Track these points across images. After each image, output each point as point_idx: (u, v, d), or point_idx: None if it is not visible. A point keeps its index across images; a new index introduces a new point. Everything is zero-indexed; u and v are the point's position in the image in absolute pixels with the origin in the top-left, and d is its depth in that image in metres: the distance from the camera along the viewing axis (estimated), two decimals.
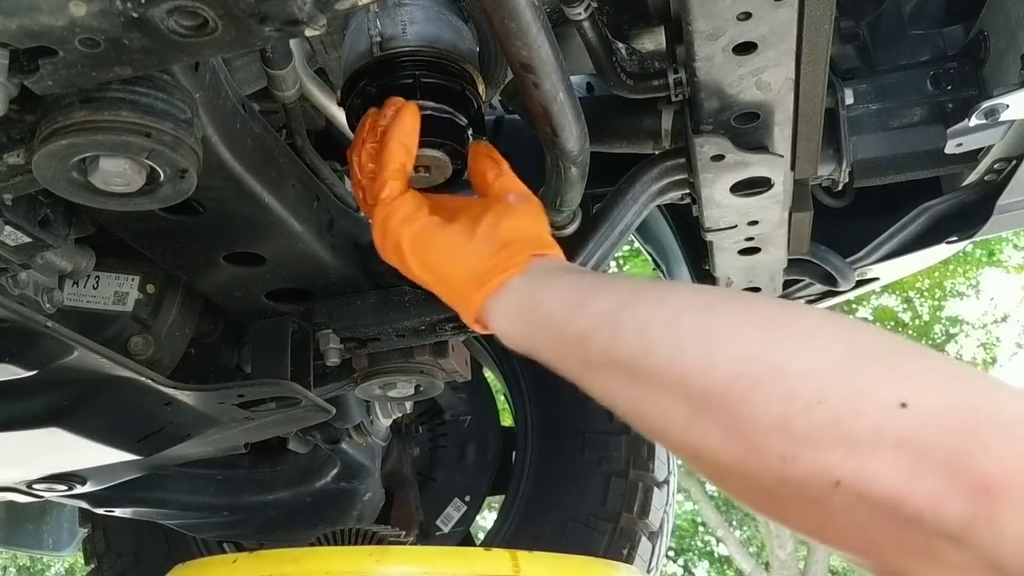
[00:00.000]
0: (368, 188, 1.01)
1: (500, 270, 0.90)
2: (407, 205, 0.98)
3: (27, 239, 1.01)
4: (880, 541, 0.58)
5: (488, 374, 2.88)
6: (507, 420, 2.83)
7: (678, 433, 0.69)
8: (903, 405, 0.56)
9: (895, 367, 0.60)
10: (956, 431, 0.54)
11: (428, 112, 1.05)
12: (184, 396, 1.23)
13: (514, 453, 2.56)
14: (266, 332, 1.30)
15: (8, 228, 0.98)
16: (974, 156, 1.44)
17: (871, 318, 11.20)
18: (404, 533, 1.72)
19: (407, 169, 1.00)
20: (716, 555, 13.65)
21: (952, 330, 11.78)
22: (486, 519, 5.37)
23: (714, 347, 0.66)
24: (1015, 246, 10.41)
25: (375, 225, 1.00)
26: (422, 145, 1.04)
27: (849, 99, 1.44)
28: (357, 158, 1.03)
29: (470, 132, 1.12)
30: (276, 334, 1.29)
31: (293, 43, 1.13)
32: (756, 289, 1.72)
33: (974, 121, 1.32)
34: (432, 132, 1.05)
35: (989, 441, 0.53)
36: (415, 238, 0.96)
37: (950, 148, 1.41)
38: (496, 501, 2.74)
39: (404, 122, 0.99)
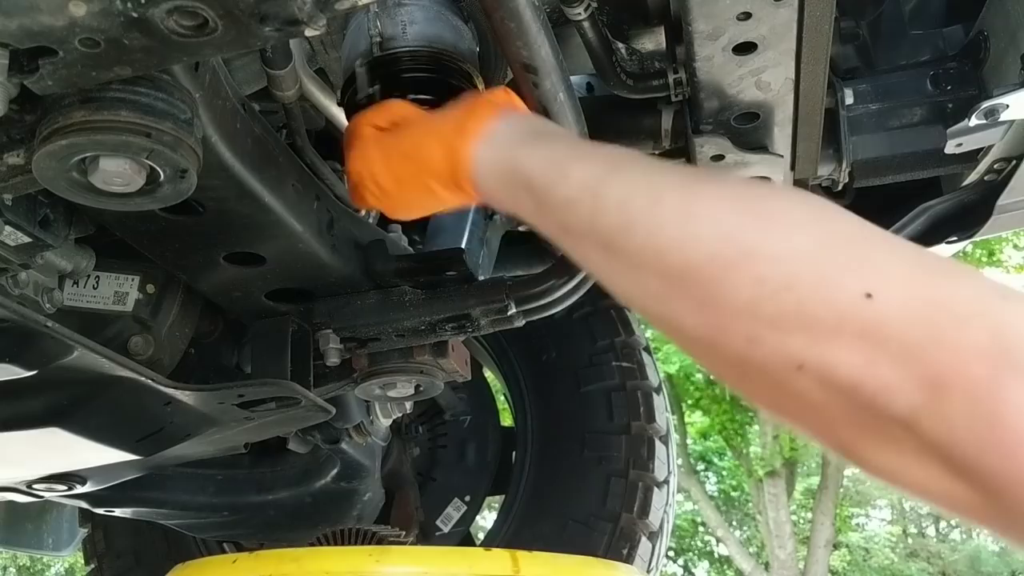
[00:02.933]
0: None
1: (469, 119, 0.90)
2: (375, 137, 1.00)
3: (27, 239, 1.01)
4: (836, 421, 0.61)
5: (488, 374, 2.88)
6: (507, 420, 2.83)
7: (653, 306, 0.72)
8: (868, 296, 0.58)
9: (864, 257, 0.61)
10: (915, 324, 0.56)
11: (427, 109, 1.05)
12: (184, 396, 1.23)
13: (514, 453, 2.56)
14: (266, 332, 1.30)
15: (8, 228, 0.98)
16: (974, 156, 1.44)
17: None
18: (404, 533, 1.71)
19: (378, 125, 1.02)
20: (716, 555, 13.65)
21: None
22: (486, 519, 5.37)
23: (691, 227, 0.67)
24: (1015, 246, 10.41)
25: (349, 173, 1.01)
26: None
27: (849, 99, 1.44)
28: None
29: None
30: (276, 334, 1.29)
31: (293, 43, 1.13)
32: None
33: (974, 121, 1.32)
34: None
35: (944, 335, 0.55)
36: (385, 145, 0.97)
37: (950, 148, 1.41)
38: (496, 501, 2.74)
39: (375, 109, 1.02)
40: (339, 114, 1.29)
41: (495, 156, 0.87)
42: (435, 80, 1.08)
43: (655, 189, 0.72)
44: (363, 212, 1.39)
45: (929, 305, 0.57)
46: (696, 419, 11.91)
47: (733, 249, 0.64)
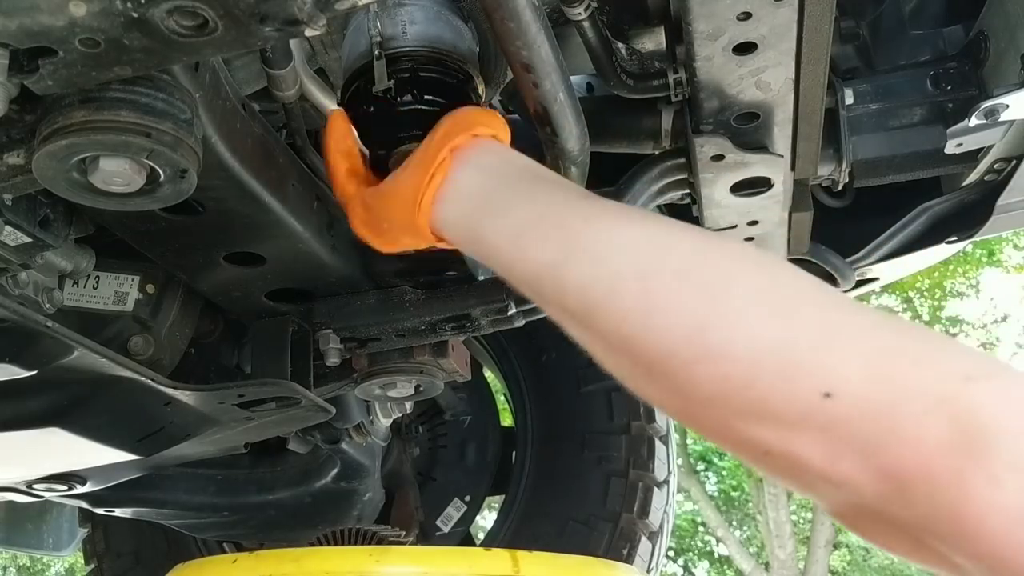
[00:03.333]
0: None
1: (430, 184, 0.90)
2: (356, 192, 1.02)
3: (27, 239, 1.01)
4: (816, 494, 0.64)
5: (488, 374, 2.88)
6: (507, 420, 2.83)
7: (627, 381, 0.74)
8: (827, 395, 0.59)
9: (825, 353, 0.62)
10: (874, 419, 0.58)
11: (427, 108, 1.05)
12: (184, 396, 1.23)
13: (514, 453, 2.56)
14: (266, 332, 1.30)
15: (8, 228, 0.98)
16: (974, 156, 1.44)
17: None
18: (404, 533, 1.72)
19: (356, 169, 1.02)
20: (716, 555, 13.65)
21: (952, 330, 11.77)
22: (486, 519, 5.37)
23: (653, 324, 0.68)
24: (1015, 246, 10.41)
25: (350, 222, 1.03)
26: (415, 139, 1.05)
27: (849, 99, 1.44)
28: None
29: None
30: (276, 334, 1.29)
31: (293, 43, 1.13)
32: None
33: (974, 121, 1.32)
34: (426, 127, 1.05)
35: (902, 430, 0.56)
36: (365, 206, 0.99)
37: (950, 148, 1.41)
38: (496, 501, 2.74)
39: (334, 132, 1.02)
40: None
41: (457, 222, 0.88)
42: (435, 80, 1.08)
43: (613, 275, 0.72)
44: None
45: (887, 400, 0.58)
46: None
47: (696, 348, 0.66)
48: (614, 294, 0.71)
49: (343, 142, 1.02)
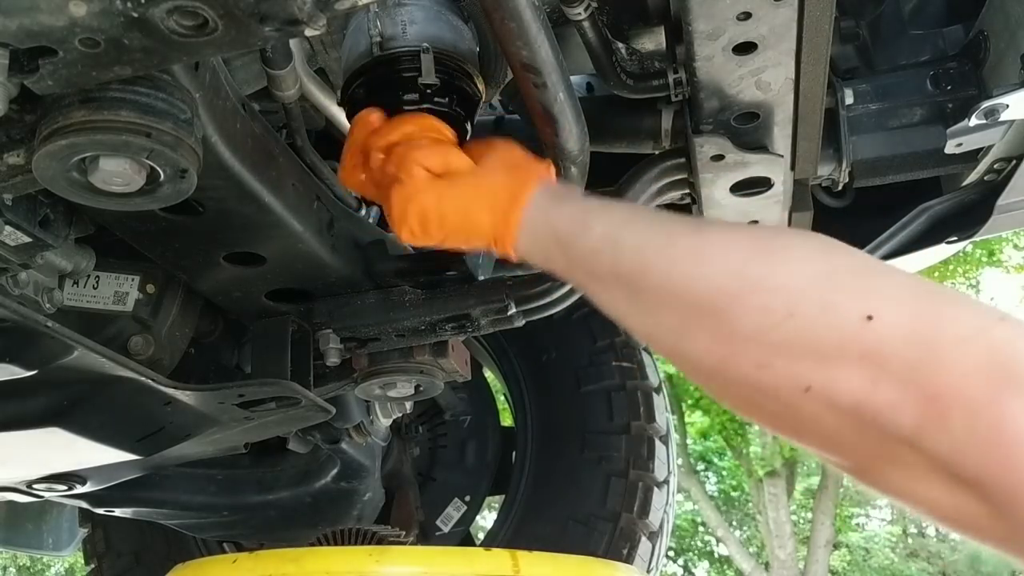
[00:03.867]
0: (381, 177, 1.03)
1: (520, 189, 0.94)
2: (422, 179, 1.02)
3: (27, 239, 1.01)
4: (846, 443, 0.63)
5: (488, 374, 2.88)
6: (507, 420, 2.83)
7: (670, 339, 0.77)
8: (868, 318, 0.61)
9: (864, 283, 0.64)
10: (915, 344, 0.59)
11: (427, 107, 1.05)
12: (184, 396, 1.23)
13: (514, 453, 2.56)
14: (266, 332, 1.30)
15: (8, 228, 0.98)
16: (974, 156, 1.44)
17: None
18: (404, 533, 1.71)
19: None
20: (716, 555, 13.65)
21: None
22: (486, 519, 5.37)
23: (702, 264, 0.73)
24: (1015, 246, 10.41)
25: (394, 205, 1.01)
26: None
27: (849, 99, 1.44)
28: (363, 155, 1.05)
29: (469, 127, 1.12)
30: (276, 334, 1.29)
31: (293, 43, 1.13)
32: None
33: (974, 121, 1.32)
34: None
35: (943, 354, 0.58)
36: (439, 199, 0.98)
37: (950, 148, 1.41)
38: (496, 501, 2.74)
39: (414, 124, 1.03)
40: (339, 114, 1.29)
41: (533, 220, 0.93)
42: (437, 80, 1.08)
43: (668, 234, 0.78)
44: (363, 211, 1.38)
45: (928, 326, 0.59)
46: (696, 419, 11.91)
47: (740, 282, 0.69)
48: (669, 244, 0.77)
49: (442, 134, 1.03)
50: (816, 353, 0.62)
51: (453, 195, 0.98)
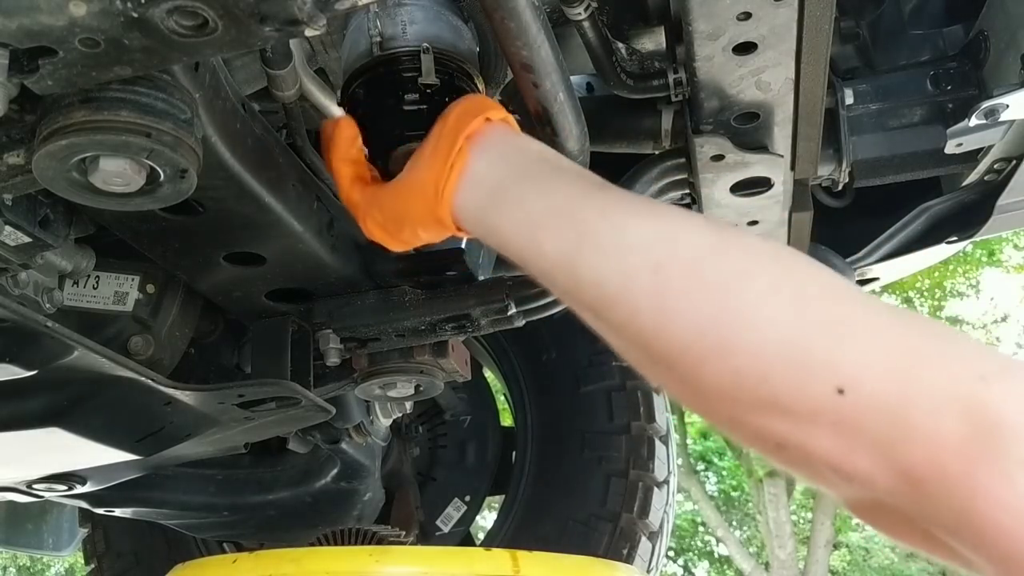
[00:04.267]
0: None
1: (451, 172, 0.89)
2: (366, 196, 1.01)
3: (27, 239, 1.01)
4: (828, 485, 0.63)
5: (488, 374, 2.88)
6: (507, 420, 2.83)
7: (643, 371, 0.75)
8: (840, 391, 0.59)
9: (838, 346, 0.61)
10: (887, 415, 0.57)
11: (427, 107, 1.05)
12: (184, 396, 1.23)
13: (514, 453, 2.56)
14: (266, 332, 1.30)
15: (8, 228, 0.98)
16: (974, 156, 1.44)
17: None
18: (404, 533, 1.72)
19: (363, 175, 1.02)
20: (716, 555, 13.64)
21: None
22: (486, 519, 5.37)
23: (666, 319, 0.69)
24: (1015, 246, 10.41)
25: (357, 221, 1.02)
26: (420, 139, 1.05)
27: (849, 99, 1.44)
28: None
29: None
30: (276, 334, 1.29)
31: (293, 43, 1.13)
32: None
33: (974, 121, 1.32)
34: (430, 126, 1.05)
35: (916, 425, 0.56)
36: (379, 207, 0.98)
37: (950, 148, 1.41)
38: (496, 501, 2.74)
39: (340, 139, 1.02)
40: (339, 114, 1.29)
41: (475, 213, 0.88)
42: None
43: (626, 270, 0.72)
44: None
45: (901, 395, 0.57)
46: (696, 419, 11.92)
47: (708, 343, 0.66)
48: (627, 290, 0.71)
49: (349, 150, 1.02)
50: (788, 416, 0.62)
51: (385, 197, 0.96)
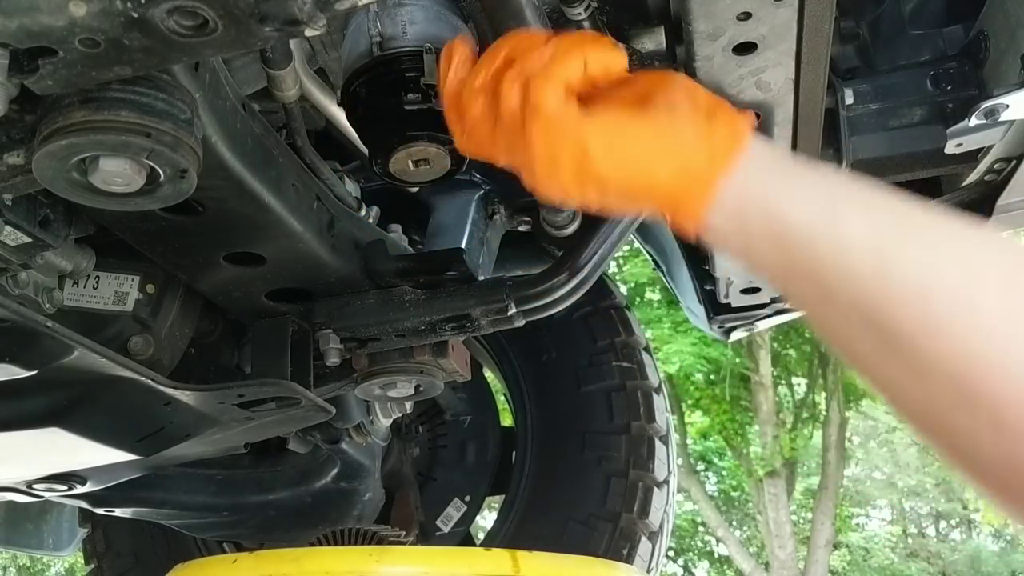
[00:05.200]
0: (507, 105, 0.75)
1: (724, 145, 0.69)
2: (575, 107, 0.74)
3: (27, 239, 1.01)
4: None
5: (488, 374, 2.88)
6: (507, 420, 2.83)
7: (937, 420, 0.58)
8: None
9: None
10: None
11: (427, 107, 1.05)
12: (184, 396, 1.23)
13: (514, 453, 2.56)
14: (266, 332, 1.30)
15: (8, 228, 0.98)
16: (974, 156, 1.44)
17: None
18: (404, 533, 1.71)
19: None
20: (716, 555, 13.65)
21: None
22: (486, 519, 5.37)
23: (1018, 351, 0.53)
24: None
25: (537, 148, 0.73)
26: (421, 139, 1.05)
27: (849, 99, 1.44)
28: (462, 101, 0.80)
29: None
30: (276, 334, 1.29)
31: (293, 43, 1.13)
32: (756, 289, 1.72)
33: (974, 121, 1.32)
34: (431, 126, 1.06)
35: None
36: (607, 133, 0.72)
37: (950, 148, 1.41)
38: (496, 501, 2.74)
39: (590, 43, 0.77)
40: (339, 114, 1.29)
41: (743, 193, 0.68)
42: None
43: (971, 279, 0.56)
44: (363, 211, 1.38)
45: None
46: (696, 419, 11.92)
47: None
48: (972, 307, 0.55)
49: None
50: None
51: (625, 133, 0.71)
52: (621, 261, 9.56)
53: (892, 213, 0.62)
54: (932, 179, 1.60)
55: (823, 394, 12.06)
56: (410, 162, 1.10)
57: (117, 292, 1.24)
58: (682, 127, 0.71)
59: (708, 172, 0.69)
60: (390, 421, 1.95)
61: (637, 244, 2.31)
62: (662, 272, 2.18)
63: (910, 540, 14.10)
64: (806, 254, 0.63)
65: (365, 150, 1.17)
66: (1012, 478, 0.54)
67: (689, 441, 11.90)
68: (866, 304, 0.59)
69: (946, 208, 0.66)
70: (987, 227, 1.53)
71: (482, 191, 1.61)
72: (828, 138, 1.38)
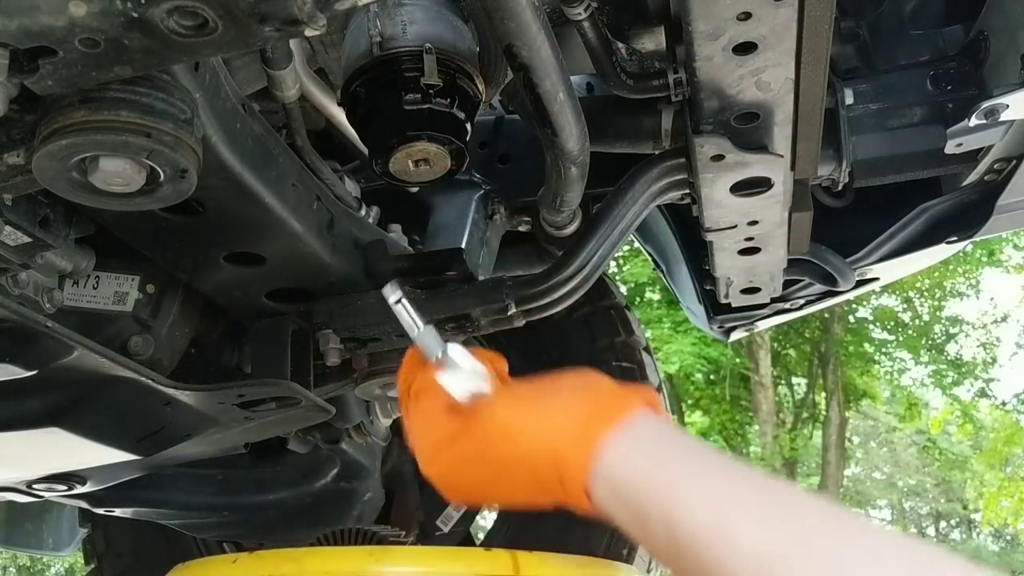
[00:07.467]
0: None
1: (603, 417, 0.71)
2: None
3: (27, 239, 1.01)
4: None
5: None
6: None
7: None
8: None
9: None
10: None
11: (428, 107, 1.05)
12: (184, 396, 1.23)
13: None
14: (266, 332, 1.30)
15: (8, 228, 0.98)
16: (974, 156, 1.44)
17: (871, 318, 11.21)
18: (404, 533, 1.71)
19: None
20: None
21: (952, 330, 11.79)
22: (486, 519, 5.37)
23: None
24: (1015, 246, 10.42)
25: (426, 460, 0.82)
26: (421, 139, 1.05)
27: (849, 99, 1.44)
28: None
29: (469, 128, 1.12)
30: (276, 334, 1.29)
31: (293, 43, 1.13)
32: (756, 290, 1.72)
33: (974, 121, 1.32)
34: (431, 126, 1.06)
35: None
36: (499, 426, 0.76)
37: (950, 148, 1.41)
38: None
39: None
40: (339, 114, 1.29)
41: (625, 478, 0.68)
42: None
43: None
44: (362, 211, 1.38)
45: None
46: (696, 419, 11.91)
47: None
48: None
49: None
50: None
51: (503, 431, 0.74)
52: (621, 261, 9.56)
53: (785, 522, 0.61)
54: (932, 179, 1.60)
55: (823, 394, 12.06)
56: (410, 162, 1.10)
57: (117, 292, 1.24)
58: (575, 406, 0.73)
59: (588, 432, 0.69)
60: (390, 421, 1.95)
61: (637, 244, 2.31)
62: (662, 272, 2.18)
63: None
64: (694, 554, 0.62)
65: (365, 150, 1.17)
66: None
67: None
68: None
69: (835, 503, 0.64)
70: (987, 227, 1.53)
71: (482, 191, 1.61)
72: (828, 138, 1.38)
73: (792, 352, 11.96)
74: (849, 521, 0.61)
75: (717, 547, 0.61)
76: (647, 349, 2.45)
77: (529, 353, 2.51)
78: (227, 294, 1.25)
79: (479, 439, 0.76)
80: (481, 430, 0.76)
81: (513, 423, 0.75)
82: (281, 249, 1.15)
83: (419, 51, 1.06)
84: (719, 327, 2.06)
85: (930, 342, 11.76)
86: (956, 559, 0.57)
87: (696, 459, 0.69)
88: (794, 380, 12.59)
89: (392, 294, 0.83)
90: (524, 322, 1.35)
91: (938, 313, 11.60)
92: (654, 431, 0.71)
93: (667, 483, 0.66)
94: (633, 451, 0.69)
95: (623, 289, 8.47)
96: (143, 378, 1.16)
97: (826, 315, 10.54)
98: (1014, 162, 1.44)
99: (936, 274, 10.59)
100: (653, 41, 1.29)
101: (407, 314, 0.83)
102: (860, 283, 1.78)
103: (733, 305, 1.82)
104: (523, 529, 2.36)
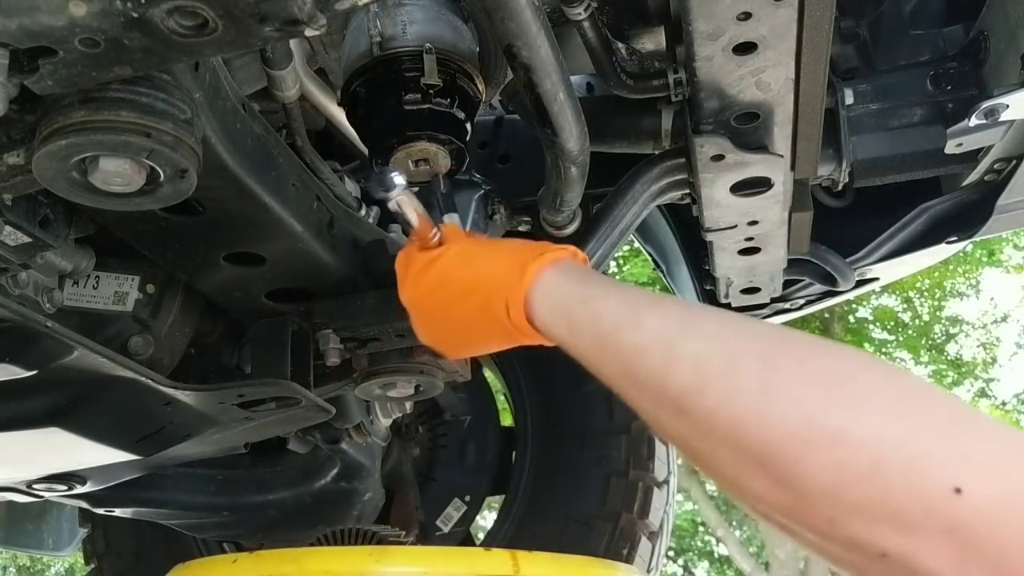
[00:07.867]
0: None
1: (539, 253, 0.91)
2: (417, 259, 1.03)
3: (27, 239, 1.01)
4: None
5: (488, 374, 2.88)
6: (507, 420, 2.83)
7: (725, 473, 0.69)
8: (957, 491, 0.54)
9: (953, 446, 0.58)
10: (1008, 524, 0.53)
11: (428, 107, 1.05)
12: (184, 396, 1.23)
13: (514, 453, 2.56)
14: (266, 332, 1.30)
15: (8, 228, 0.98)
16: (974, 156, 1.44)
17: (871, 318, 11.20)
18: (404, 533, 1.71)
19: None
20: (716, 555, 13.65)
21: (952, 330, 11.78)
22: (486, 519, 5.37)
23: (770, 401, 0.64)
24: (1015, 246, 10.41)
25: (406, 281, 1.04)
26: (421, 139, 1.05)
27: (849, 99, 1.44)
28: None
29: (469, 127, 1.12)
30: (276, 334, 1.29)
31: (293, 43, 1.13)
32: (756, 290, 1.72)
33: (974, 121, 1.32)
34: (431, 126, 1.06)
35: None
36: (457, 256, 0.99)
37: (950, 148, 1.41)
38: (496, 501, 2.74)
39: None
40: (339, 114, 1.29)
41: (559, 292, 0.88)
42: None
43: (733, 352, 0.69)
44: (362, 211, 1.38)
45: (1020, 503, 0.53)
46: None
47: (814, 428, 0.61)
48: (732, 370, 0.68)
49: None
50: (897, 519, 0.56)
51: (470, 254, 0.97)
52: (621, 261, 9.56)
53: (678, 312, 0.77)
54: (932, 179, 1.60)
55: None
56: (410, 162, 1.10)
57: (117, 292, 1.24)
58: (511, 246, 0.97)
59: (528, 262, 0.90)
60: (390, 421, 1.95)
61: (637, 244, 2.31)
62: (662, 272, 2.18)
63: None
64: (613, 342, 0.79)
65: (365, 150, 1.17)
66: (799, 527, 0.63)
67: None
68: (657, 381, 0.73)
69: (729, 315, 0.80)
70: (987, 227, 1.54)
71: (482, 191, 1.61)
72: (828, 138, 1.38)
73: None
74: (735, 316, 0.78)
75: (628, 329, 0.77)
76: None
77: (529, 353, 2.51)
78: (227, 294, 1.25)
79: (444, 265, 0.99)
80: (446, 258, 0.99)
81: (471, 252, 0.98)
82: (281, 249, 1.15)
83: (419, 51, 1.06)
84: None
85: (930, 342, 11.76)
86: (818, 340, 0.74)
87: (613, 283, 0.89)
88: None
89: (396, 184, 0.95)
90: None
91: (938, 313, 11.60)
92: (581, 267, 0.92)
93: (592, 294, 0.84)
94: (565, 277, 0.89)
95: None
96: (143, 378, 1.16)
97: (826, 315, 10.55)
98: (1014, 162, 1.44)
99: (936, 274, 10.59)
100: (653, 41, 1.29)
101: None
102: (860, 283, 1.79)
103: (733, 305, 1.82)
104: (523, 529, 2.36)
